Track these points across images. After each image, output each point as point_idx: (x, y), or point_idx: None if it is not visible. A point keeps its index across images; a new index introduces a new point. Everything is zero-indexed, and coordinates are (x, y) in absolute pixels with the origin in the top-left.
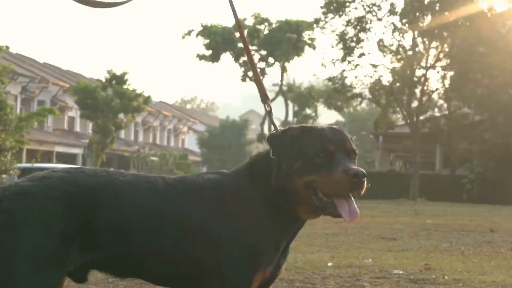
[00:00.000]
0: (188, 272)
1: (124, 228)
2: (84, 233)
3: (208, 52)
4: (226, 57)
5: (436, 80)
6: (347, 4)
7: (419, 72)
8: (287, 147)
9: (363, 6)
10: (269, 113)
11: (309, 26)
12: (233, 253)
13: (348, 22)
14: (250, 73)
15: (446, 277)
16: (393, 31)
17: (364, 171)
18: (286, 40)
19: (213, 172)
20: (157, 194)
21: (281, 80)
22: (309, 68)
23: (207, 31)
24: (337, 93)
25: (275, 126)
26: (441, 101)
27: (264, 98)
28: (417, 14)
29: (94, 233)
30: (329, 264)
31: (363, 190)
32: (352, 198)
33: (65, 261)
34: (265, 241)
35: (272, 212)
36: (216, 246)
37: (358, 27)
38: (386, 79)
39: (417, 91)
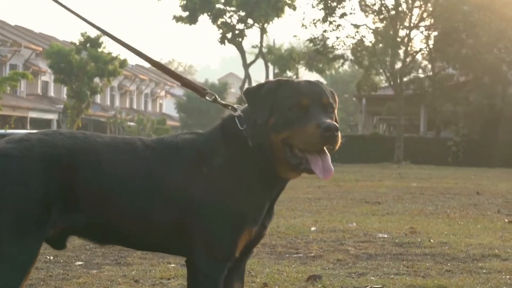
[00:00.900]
0: (171, 236)
1: (104, 191)
2: (64, 196)
3: (185, 14)
4: (204, 18)
5: (420, 41)
6: None
7: (402, 33)
8: (262, 101)
9: None
10: (216, 101)
11: None
12: (217, 214)
13: None
14: (229, 35)
15: (431, 240)
16: None
17: (337, 125)
18: (265, 1)
19: (189, 132)
20: (136, 156)
21: (261, 42)
22: (290, 30)
23: None
24: (319, 54)
25: (230, 106)
26: (425, 62)
27: (203, 92)
28: None
29: (74, 196)
30: (312, 228)
31: (337, 145)
32: (328, 154)
33: (46, 224)
34: (248, 201)
35: (250, 171)
36: (199, 208)
37: None
38: (369, 39)
39: (401, 52)
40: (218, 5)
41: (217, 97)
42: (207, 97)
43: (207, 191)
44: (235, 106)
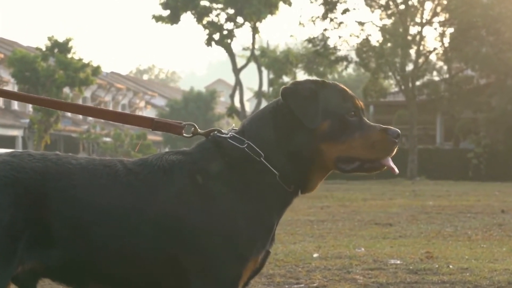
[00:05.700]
0: (163, 274)
1: (81, 222)
2: (34, 227)
3: (166, 12)
4: (187, 17)
5: (434, 39)
6: None
7: (413, 30)
8: (310, 103)
9: None
10: (197, 133)
11: None
12: (219, 244)
13: None
14: (216, 36)
15: (451, 266)
16: None
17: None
18: None
19: (174, 152)
20: (117, 181)
21: (253, 44)
22: (285, 29)
23: None
24: (319, 56)
25: (216, 130)
26: (440, 63)
27: (179, 128)
28: None
29: (45, 227)
30: (315, 255)
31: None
32: None
33: (13, 259)
34: (256, 224)
35: (260, 189)
36: (197, 238)
37: None
38: (375, 38)
39: (412, 52)
40: (203, 2)
41: (196, 127)
42: (184, 134)
43: (206, 219)
44: (218, 129)
